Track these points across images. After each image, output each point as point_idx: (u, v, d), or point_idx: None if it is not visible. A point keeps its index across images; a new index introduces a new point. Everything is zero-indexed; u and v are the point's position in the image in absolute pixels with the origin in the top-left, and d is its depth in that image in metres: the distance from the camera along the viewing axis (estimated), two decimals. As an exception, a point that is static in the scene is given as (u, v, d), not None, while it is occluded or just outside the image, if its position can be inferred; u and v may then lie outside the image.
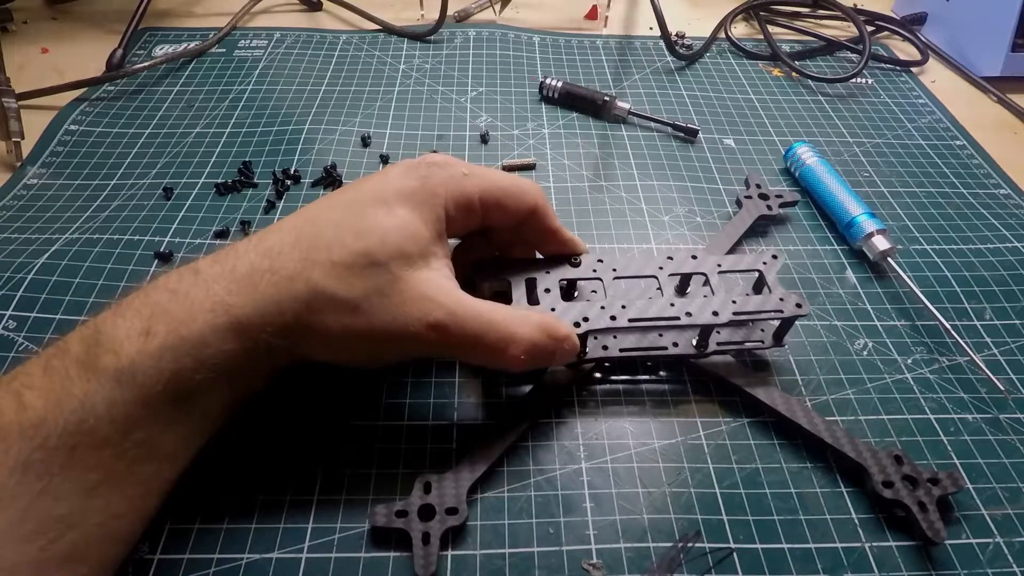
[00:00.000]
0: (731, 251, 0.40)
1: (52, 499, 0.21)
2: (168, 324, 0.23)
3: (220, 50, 0.58)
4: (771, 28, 0.64)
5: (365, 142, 0.48)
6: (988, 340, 0.37)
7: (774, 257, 0.34)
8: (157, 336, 0.23)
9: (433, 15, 0.60)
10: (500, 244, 0.33)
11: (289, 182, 0.44)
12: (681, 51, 0.59)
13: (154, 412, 0.23)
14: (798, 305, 0.32)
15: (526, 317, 0.28)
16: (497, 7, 0.64)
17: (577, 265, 0.33)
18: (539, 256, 0.33)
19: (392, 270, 0.25)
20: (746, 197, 0.43)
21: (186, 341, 0.23)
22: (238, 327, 0.24)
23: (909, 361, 0.35)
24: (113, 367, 0.22)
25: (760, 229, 0.43)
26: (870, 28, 0.64)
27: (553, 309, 0.31)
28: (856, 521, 0.29)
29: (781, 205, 0.43)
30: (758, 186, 0.44)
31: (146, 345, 0.23)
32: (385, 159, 0.46)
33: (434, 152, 0.30)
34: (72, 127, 0.49)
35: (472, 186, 0.28)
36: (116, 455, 0.22)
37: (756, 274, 0.34)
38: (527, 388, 0.33)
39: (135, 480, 0.23)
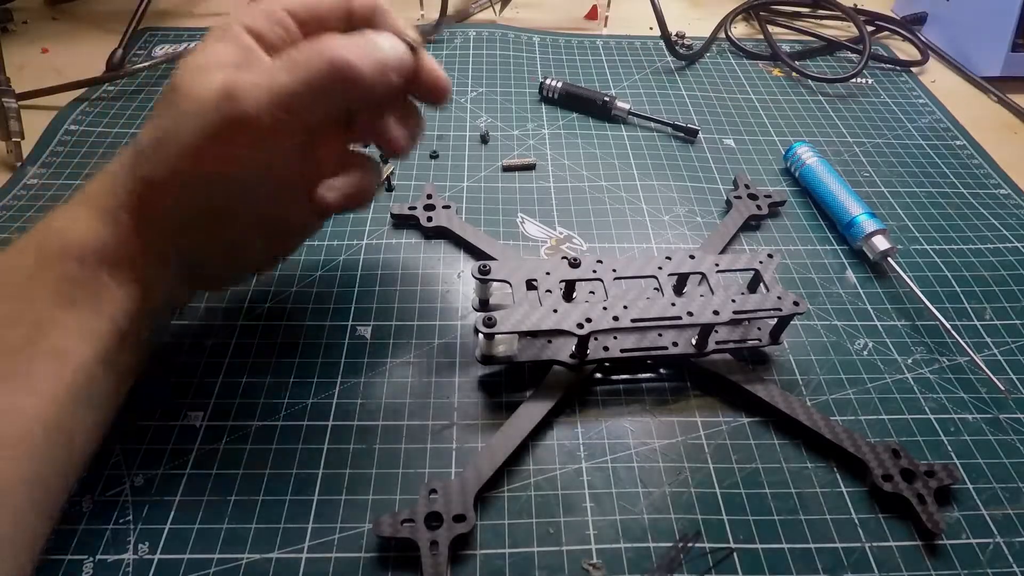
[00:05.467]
0: (723, 251, 0.40)
1: None
2: (37, 225, 0.26)
3: (220, 50, 0.58)
4: (771, 28, 0.64)
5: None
6: (988, 340, 0.37)
7: (770, 256, 0.34)
8: (25, 236, 0.26)
9: (433, 15, 0.60)
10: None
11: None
12: (681, 51, 0.59)
13: (33, 305, 0.24)
14: (795, 304, 0.32)
15: (331, 36, 0.25)
16: (497, 7, 0.64)
17: (576, 266, 0.33)
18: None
19: (184, 87, 0.24)
20: (735, 197, 0.43)
21: (51, 229, 0.25)
22: (83, 198, 0.26)
23: (909, 361, 0.35)
24: None
25: (760, 229, 0.43)
26: (870, 28, 0.64)
27: (556, 311, 0.31)
28: (856, 521, 0.29)
29: (771, 205, 0.43)
30: (747, 186, 0.44)
31: (17, 244, 0.25)
32: (385, 159, 0.46)
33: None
34: (72, 127, 0.48)
35: (270, 3, 0.27)
36: (4, 352, 0.23)
37: (752, 273, 0.34)
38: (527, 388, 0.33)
39: (34, 382, 0.23)
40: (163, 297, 0.28)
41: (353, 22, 0.28)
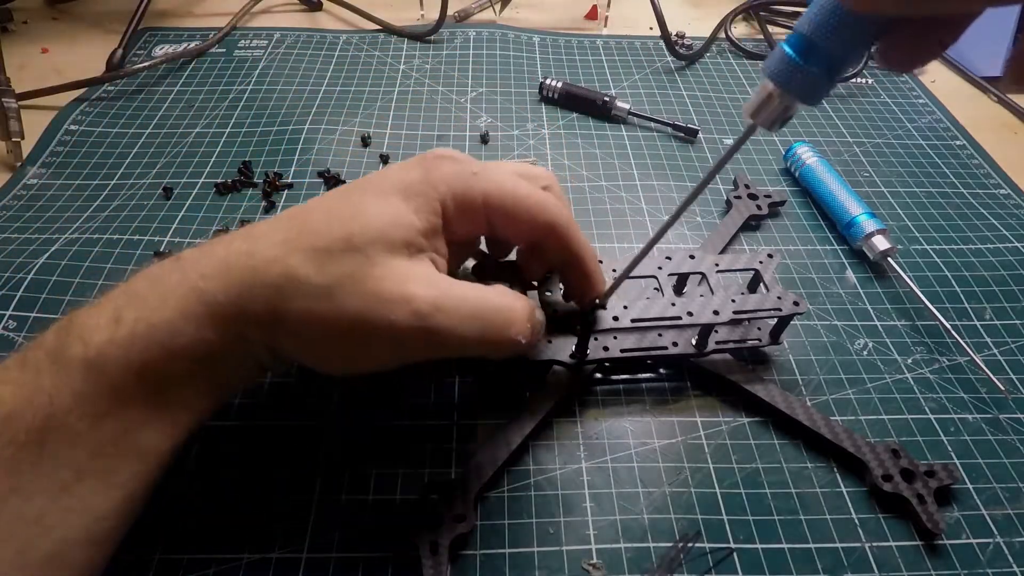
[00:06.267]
0: (723, 251, 0.40)
1: (23, 499, 0.20)
2: (139, 311, 0.22)
3: (220, 50, 0.58)
4: (771, 28, 0.64)
5: (365, 142, 0.48)
6: (988, 340, 0.37)
7: (770, 256, 0.34)
8: (126, 323, 0.22)
9: (433, 15, 0.60)
10: (521, 263, 0.31)
11: (277, 183, 0.43)
12: (681, 51, 0.59)
13: (126, 405, 0.22)
14: (795, 303, 0.32)
15: (516, 295, 0.26)
16: (497, 7, 0.64)
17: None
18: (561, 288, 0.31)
19: (369, 255, 0.23)
20: (735, 197, 0.43)
21: (156, 329, 0.22)
22: (210, 314, 0.23)
23: (909, 361, 0.35)
24: (80, 357, 0.21)
25: (760, 229, 0.43)
26: (870, 28, 0.64)
27: (556, 311, 0.31)
28: (856, 521, 0.29)
29: (771, 205, 0.43)
30: (747, 186, 0.44)
31: (115, 333, 0.22)
32: (385, 159, 0.46)
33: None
34: (72, 127, 0.49)
35: (478, 186, 0.26)
36: (90, 452, 0.21)
37: (752, 273, 0.34)
38: (527, 389, 0.33)
39: (115, 479, 0.22)
40: (246, 382, 0.27)
41: (541, 249, 0.28)
